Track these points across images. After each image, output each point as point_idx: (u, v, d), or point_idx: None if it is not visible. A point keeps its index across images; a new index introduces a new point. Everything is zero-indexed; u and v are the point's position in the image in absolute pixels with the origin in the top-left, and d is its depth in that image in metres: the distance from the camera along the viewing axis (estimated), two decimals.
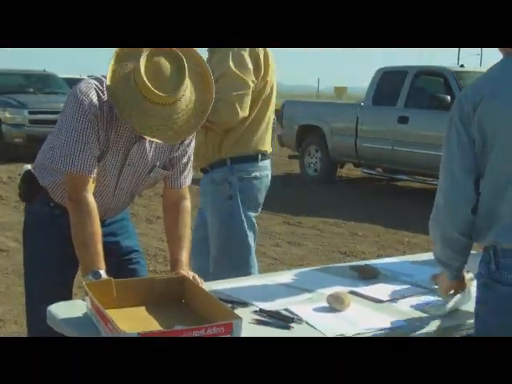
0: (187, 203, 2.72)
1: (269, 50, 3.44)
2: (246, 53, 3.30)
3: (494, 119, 2.08)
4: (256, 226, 3.56)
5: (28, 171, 2.75)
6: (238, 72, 3.25)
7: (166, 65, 2.33)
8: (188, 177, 2.74)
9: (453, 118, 2.18)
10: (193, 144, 2.72)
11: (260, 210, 3.59)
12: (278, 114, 13.52)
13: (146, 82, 2.28)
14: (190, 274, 2.51)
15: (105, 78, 2.45)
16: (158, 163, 2.63)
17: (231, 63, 3.25)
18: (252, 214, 3.50)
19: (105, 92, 2.44)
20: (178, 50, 2.36)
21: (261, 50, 3.36)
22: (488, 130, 2.10)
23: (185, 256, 2.59)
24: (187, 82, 2.36)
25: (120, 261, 2.76)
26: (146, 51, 2.32)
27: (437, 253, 2.32)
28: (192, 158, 2.74)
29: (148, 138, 2.42)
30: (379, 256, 6.39)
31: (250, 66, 3.30)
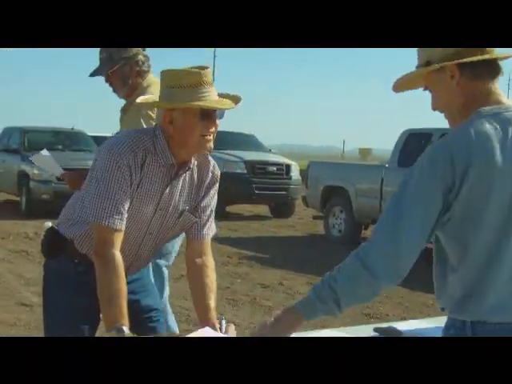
0: (211, 259, 2.73)
1: None
2: (154, 114, 3.65)
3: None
4: (165, 274, 4.05)
5: (51, 228, 2.78)
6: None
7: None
8: (210, 228, 2.75)
9: None
10: (216, 197, 2.76)
11: (173, 258, 3.95)
12: (303, 174, 13.62)
13: (174, 69, 2.45)
14: (221, 322, 2.56)
15: (133, 131, 2.57)
16: (187, 207, 2.65)
17: (142, 121, 3.62)
18: (163, 262, 3.96)
19: (136, 142, 2.49)
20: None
21: None
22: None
23: (213, 302, 2.61)
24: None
25: (140, 319, 2.77)
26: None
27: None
28: (214, 210, 2.77)
29: (211, 107, 2.44)
30: (403, 318, 6.34)
31: None
